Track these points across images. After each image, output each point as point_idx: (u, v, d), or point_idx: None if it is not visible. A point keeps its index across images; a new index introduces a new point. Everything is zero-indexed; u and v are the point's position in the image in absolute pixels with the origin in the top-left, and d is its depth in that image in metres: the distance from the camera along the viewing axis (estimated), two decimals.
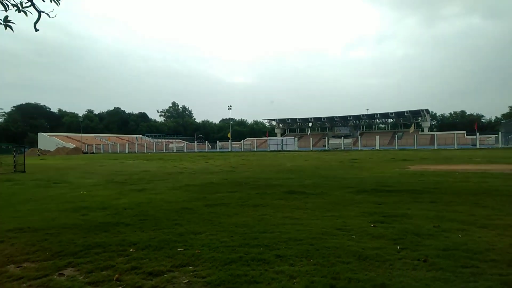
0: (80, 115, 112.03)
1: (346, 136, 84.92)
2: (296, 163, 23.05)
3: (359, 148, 62.84)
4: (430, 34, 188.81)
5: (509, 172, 13.64)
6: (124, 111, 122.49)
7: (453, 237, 4.70)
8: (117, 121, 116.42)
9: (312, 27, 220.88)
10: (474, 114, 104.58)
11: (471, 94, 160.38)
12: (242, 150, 73.95)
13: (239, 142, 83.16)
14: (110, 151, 77.76)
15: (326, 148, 66.90)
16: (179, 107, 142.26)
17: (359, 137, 78.33)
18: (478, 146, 55.40)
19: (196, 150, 76.62)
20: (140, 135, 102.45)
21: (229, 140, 78.18)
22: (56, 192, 10.18)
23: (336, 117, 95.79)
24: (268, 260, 3.94)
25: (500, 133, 59.21)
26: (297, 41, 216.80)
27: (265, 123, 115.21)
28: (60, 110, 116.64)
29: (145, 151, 76.76)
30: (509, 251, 4.07)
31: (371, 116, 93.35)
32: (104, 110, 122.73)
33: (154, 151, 78.46)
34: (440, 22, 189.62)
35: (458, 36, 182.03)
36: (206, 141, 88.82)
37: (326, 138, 77.38)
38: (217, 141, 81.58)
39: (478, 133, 60.47)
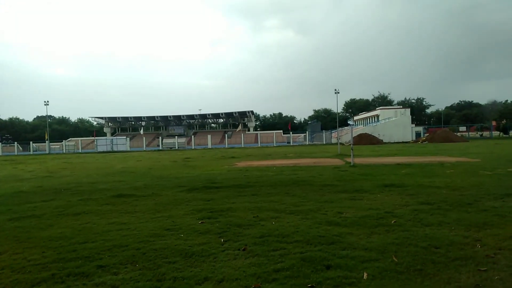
0: None
1: (180, 135, 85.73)
2: (127, 165, 21.87)
3: (193, 147, 64.41)
4: (256, 42, 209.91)
5: (313, 165, 16.44)
6: None
7: (268, 224, 5.35)
8: None
9: (149, 24, 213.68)
10: (289, 115, 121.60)
11: (287, 98, 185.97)
12: (64, 152, 65.31)
13: (60, 143, 72.85)
14: None
15: (160, 147, 65.92)
16: None
17: (193, 136, 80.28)
18: (291, 143, 64.76)
19: (1, 154, 63.44)
20: None
21: (47, 141, 67.81)
22: None
23: (170, 116, 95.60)
24: (88, 272, 3.61)
25: (307, 132, 70.95)
26: (131, 36, 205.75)
27: (93, 121, 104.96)
28: None
29: None
30: (309, 231, 4.89)
31: (203, 116, 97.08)
32: None
33: None
34: (264, 32, 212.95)
35: (278, 46, 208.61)
36: (15, 143, 74.42)
37: (160, 137, 76.32)
38: (31, 142, 69.34)
39: (291, 132, 70.59)
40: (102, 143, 68.43)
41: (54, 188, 10.77)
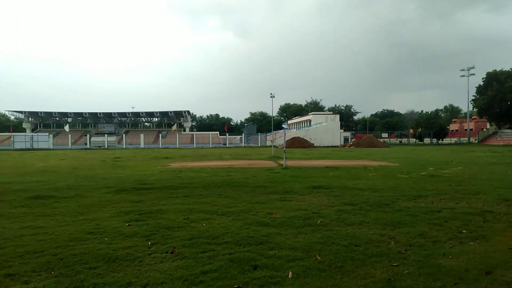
0: None
1: (110, 133, 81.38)
2: (49, 164, 20.17)
3: (124, 147, 61.41)
4: (196, 42, 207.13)
5: (247, 167, 16.62)
6: None
7: (199, 226, 5.29)
8: None
9: (81, 21, 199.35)
10: (226, 117, 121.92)
11: (225, 100, 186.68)
12: None
13: None
14: None
15: (88, 146, 61.91)
16: None
17: (124, 135, 76.58)
18: (227, 145, 64.89)
19: None
20: None
21: None
22: None
23: (100, 113, 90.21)
24: None
25: (243, 134, 71.69)
26: (60, 32, 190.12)
27: (10, 115, 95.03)
28: None
29: None
30: (239, 232, 4.93)
31: (136, 114, 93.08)
32: None
33: None
34: (204, 32, 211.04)
35: (217, 47, 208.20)
36: None
37: (88, 135, 71.64)
38: None
39: (227, 134, 70.75)
40: (20, 140, 62.22)
41: None
